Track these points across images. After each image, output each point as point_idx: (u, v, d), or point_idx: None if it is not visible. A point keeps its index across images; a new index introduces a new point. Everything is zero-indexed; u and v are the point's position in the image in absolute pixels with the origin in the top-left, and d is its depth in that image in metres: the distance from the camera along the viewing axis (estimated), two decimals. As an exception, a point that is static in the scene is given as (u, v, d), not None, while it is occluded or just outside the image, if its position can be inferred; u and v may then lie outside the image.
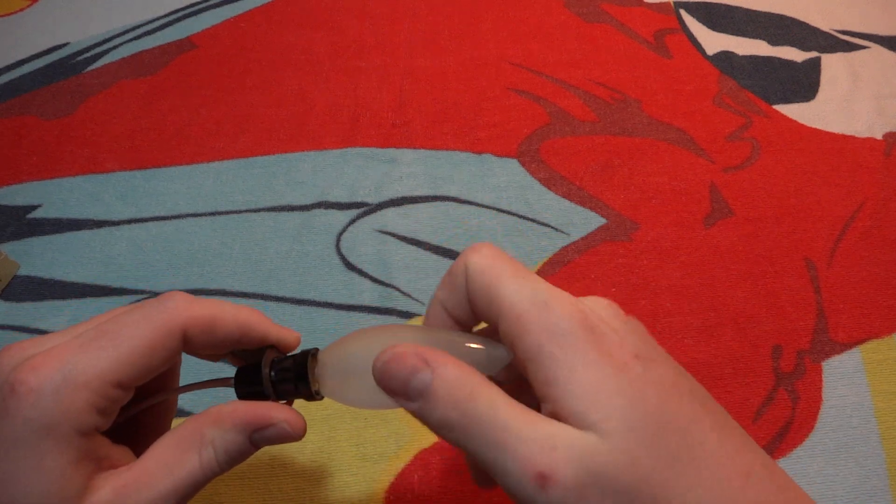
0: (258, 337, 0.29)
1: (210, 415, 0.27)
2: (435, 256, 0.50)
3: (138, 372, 0.25)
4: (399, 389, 0.24)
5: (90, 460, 0.24)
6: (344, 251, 0.50)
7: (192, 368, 0.38)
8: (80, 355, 0.24)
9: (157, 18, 0.66)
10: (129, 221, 0.52)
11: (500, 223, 0.52)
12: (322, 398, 0.29)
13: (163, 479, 0.25)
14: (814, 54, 0.63)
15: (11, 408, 0.23)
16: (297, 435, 0.27)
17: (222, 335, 0.28)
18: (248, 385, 0.29)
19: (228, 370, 0.31)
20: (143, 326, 0.26)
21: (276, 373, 0.29)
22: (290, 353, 0.30)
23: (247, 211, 0.53)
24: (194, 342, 0.27)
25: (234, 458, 0.26)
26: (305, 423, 0.28)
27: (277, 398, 0.29)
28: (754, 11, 0.66)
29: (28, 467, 0.22)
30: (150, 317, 0.26)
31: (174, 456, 0.25)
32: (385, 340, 0.26)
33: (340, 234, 0.51)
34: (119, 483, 0.24)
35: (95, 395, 0.24)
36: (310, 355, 0.29)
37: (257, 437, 0.27)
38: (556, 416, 0.23)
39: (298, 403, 0.31)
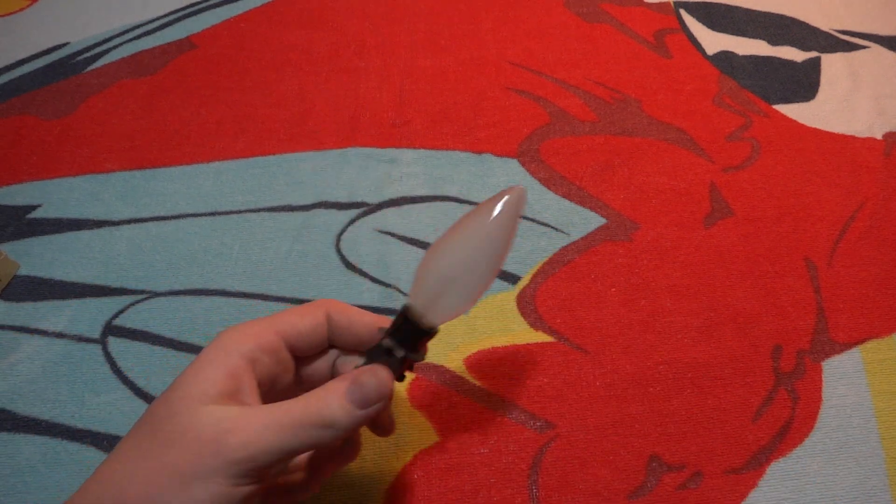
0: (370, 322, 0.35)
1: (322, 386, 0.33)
2: (435, 256, 0.50)
3: (292, 326, 0.33)
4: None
5: (230, 377, 0.30)
6: (344, 251, 0.50)
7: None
8: (261, 318, 0.33)
9: (157, 18, 0.66)
10: (129, 221, 0.52)
11: (500, 223, 0.52)
12: (436, 330, 0.34)
13: (269, 413, 0.30)
14: (814, 54, 0.63)
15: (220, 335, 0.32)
16: (383, 380, 0.31)
17: (356, 321, 0.35)
18: (377, 356, 0.34)
19: None
20: (296, 307, 0.34)
21: (391, 335, 0.33)
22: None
23: (247, 211, 0.53)
24: (334, 322, 0.34)
25: (333, 409, 0.30)
26: (392, 382, 0.32)
27: (406, 356, 0.33)
28: (754, 11, 0.66)
29: (194, 365, 0.31)
30: (305, 303, 0.35)
31: (284, 403, 0.30)
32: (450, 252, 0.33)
33: (340, 234, 0.51)
34: (238, 409, 0.30)
35: (257, 334, 0.32)
36: (403, 310, 0.33)
37: (352, 387, 0.31)
38: None
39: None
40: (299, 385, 0.35)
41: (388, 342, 0.33)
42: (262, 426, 0.29)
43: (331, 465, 0.36)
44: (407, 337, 0.33)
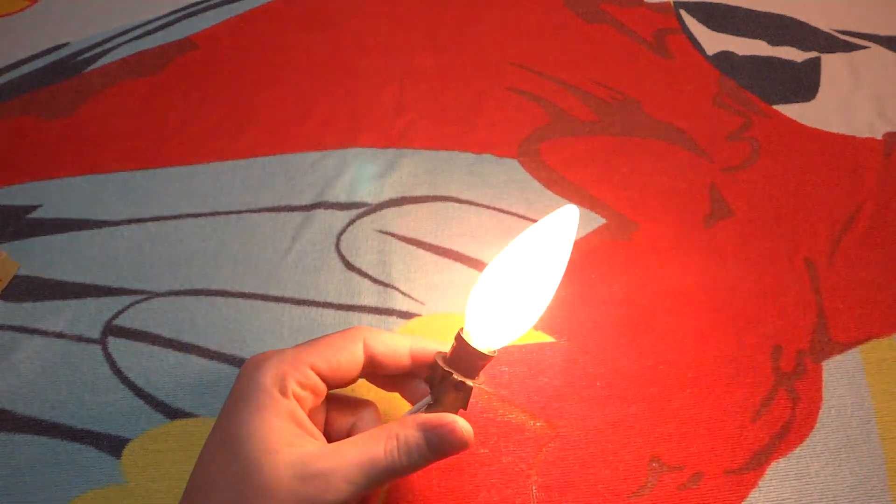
0: (421, 351, 0.36)
1: (400, 419, 0.33)
2: (435, 256, 0.50)
3: (327, 362, 0.33)
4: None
5: (292, 420, 0.31)
6: (344, 251, 0.50)
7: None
8: (287, 350, 0.33)
9: (157, 18, 0.66)
10: (129, 221, 0.52)
11: (500, 223, 0.52)
12: (495, 353, 0.35)
13: (351, 453, 0.31)
14: (814, 54, 0.63)
15: (244, 376, 0.32)
16: (464, 436, 0.32)
17: (393, 348, 0.35)
18: (444, 389, 0.34)
19: None
20: (332, 334, 0.34)
21: (450, 362, 0.34)
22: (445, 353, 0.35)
23: (247, 211, 0.53)
24: (373, 351, 0.34)
25: (412, 453, 0.31)
26: (472, 432, 0.33)
27: (463, 379, 0.34)
28: (754, 11, 0.66)
29: (247, 412, 0.31)
30: (338, 331, 0.35)
31: (365, 441, 0.31)
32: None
33: (340, 234, 0.51)
34: (320, 446, 0.31)
35: (294, 370, 0.32)
36: (459, 333, 0.34)
37: (430, 434, 0.32)
38: None
39: None
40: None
41: (457, 375, 0.34)
42: (346, 458, 0.30)
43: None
44: (469, 363, 0.34)
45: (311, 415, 0.34)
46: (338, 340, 0.34)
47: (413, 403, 0.37)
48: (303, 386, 0.32)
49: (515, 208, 0.52)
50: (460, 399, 0.34)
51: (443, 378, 0.34)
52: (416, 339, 0.36)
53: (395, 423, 0.32)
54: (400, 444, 0.31)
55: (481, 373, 0.35)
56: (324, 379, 0.33)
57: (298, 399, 0.32)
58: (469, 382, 0.34)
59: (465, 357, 0.34)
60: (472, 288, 0.36)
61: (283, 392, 0.31)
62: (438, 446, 0.32)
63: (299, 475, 0.29)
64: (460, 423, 0.32)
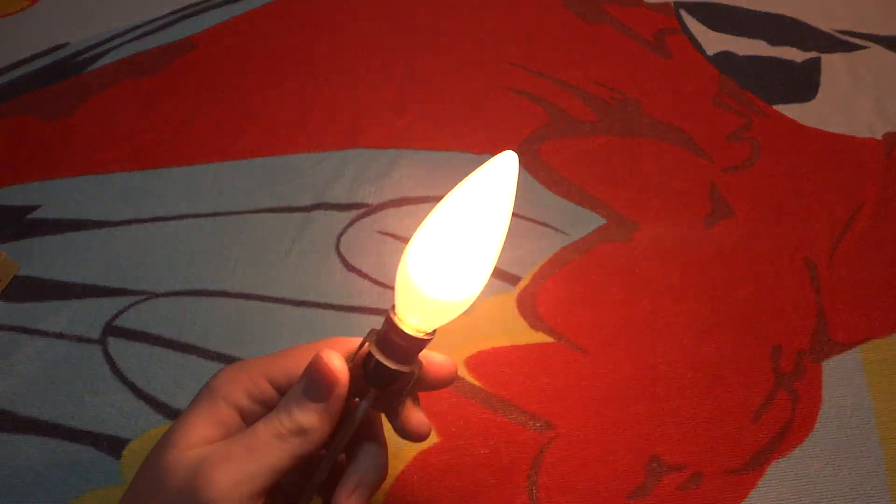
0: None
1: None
2: (435, 256, 0.50)
3: (286, 373, 0.31)
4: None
5: (221, 426, 0.30)
6: (344, 252, 0.50)
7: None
8: (255, 359, 0.32)
9: (157, 18, 0.66)
10: (129, 221, 0.52)
11: (500, 223, 0.52)
12: (427, 335, 0.31)
13: (238, 440, 0.29)
14: (814, 54, 0.63)
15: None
16: (331, 367, 0.30)
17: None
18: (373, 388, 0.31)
19: None
20: (302, 345, 0.32)
21: (380, 346, 0.30)
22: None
23: (247, 211, 0.53)
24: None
25: (290, 420, 0.29)
26: (343, 368, 0.30)
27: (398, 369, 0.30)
28: (754, 11, 0.66)
29: (186, 410, 0.31)
30: (310, 342, 0.32)
31: (256, 423, 0.30)
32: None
33: (340, 234, 0.51)
34: (215, 450, 0.29)
35: (247, 378, 0.30)
36: (389, 315, 0.30)
37: (306, 384, 0.30)
38: None
39: None
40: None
41: (383, 359, 0.30)
42: (233, 457, 0.28)
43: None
44: (400, 349, 0.30)
45: None
46: (298, 351, 0.31)
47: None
48: (250, 395, 0.30)
49: (515, 208, 0.52)
50: (370, 376, 0.30)
51: (372, 367, 0.30)
52: None
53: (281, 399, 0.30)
54: (280, 409, 0.29)
55: (410, 360, 0.31)
56: (282, 391, 0.31)
57: (242, 410, 0.30)
58: (379, 358, 0.30)
59: (388, 334, 0.30)
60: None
61: (227, 397, 0.30)
62: (312, 389, 0.29)
63: (190, 471, 0.28)
64: (328, 356, 0.29)
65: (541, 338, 0.46)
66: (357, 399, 0.32)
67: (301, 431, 0.29)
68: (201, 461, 0.28)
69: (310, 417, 0.29)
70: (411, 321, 0.30)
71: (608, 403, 0.44)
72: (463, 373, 0.45)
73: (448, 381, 0.33)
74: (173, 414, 0.43)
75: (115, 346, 0.46)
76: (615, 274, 0.49)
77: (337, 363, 0.29)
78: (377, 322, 0.47)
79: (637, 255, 0.50)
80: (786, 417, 0.43)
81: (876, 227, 0.51)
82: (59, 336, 0.47)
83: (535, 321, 0.47)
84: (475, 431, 0.43)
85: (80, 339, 0.47)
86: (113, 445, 0.42)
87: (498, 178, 0.31)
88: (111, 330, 0.47)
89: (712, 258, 0.50)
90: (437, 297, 0.30)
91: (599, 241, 0.51)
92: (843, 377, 0.44)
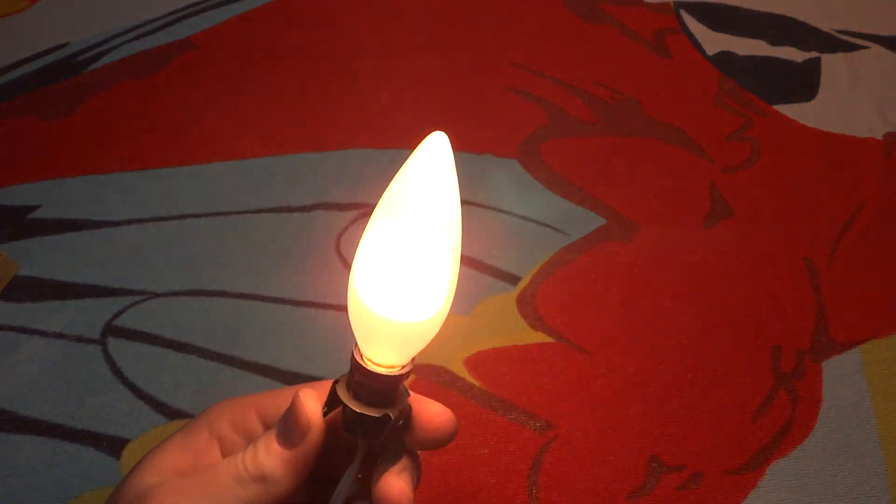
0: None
1: None
2: (435, 256, 0.50)
3: (277, 409, 0.28)
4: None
5: (192, 453, 0.27)
6: (344, 252, 0.50)
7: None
8: (254, 394, 0.29)
9: (157, 18, 0.66)
10: (129, 221, 0.52)
11: (500, 223, 0.52)
12: (396, 369, 0.26)
13: (198, 475, 0.26)
14: (814, 54, 0.63)
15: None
16: (307, 410, 0.26)
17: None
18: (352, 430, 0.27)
19: None
20: (305, 384, 0.29)
21: (351, 391, 0.26)
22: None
23: (247, 211, 0.53)
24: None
25: (257, 452, 0.27)
26: (317, 414, 0.26)
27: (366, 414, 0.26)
28: (754, 11, 0.66)
29: (165, 441, 0.28)
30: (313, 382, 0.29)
31: (222, 461, 0.27)
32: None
33: (340, 234, 0.51)
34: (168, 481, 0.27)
35: (237, 410, 0.28)
36: (353, 354, 0.26)
37: (279, 427, 0.27)
38: None
39: None
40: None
41: (341, 394, 0.26)
42: (184, 492, 0.25)
43: None
44: (359, 384, 0.26)
45: None
46: (297, 388, 0.28)
47: None
48: (235, 425, 0.28)
49: (515, 208, 0.52)
50: (348, 425, 0.26)
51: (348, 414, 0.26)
52: None
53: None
54: (246, 451, 0.26)
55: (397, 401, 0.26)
56: (269, 425, 0.28)
57: (223, 439, 0.27)
58: (352, 406, 0.26)
59: (354, 376, 0.26)
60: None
61: (211, 424, 0.27)
62: (283, 431, 0.26)
63: (133, 498, 0.25)
64: (305, 396, 0.26)
65: (541, 338, 0.46)
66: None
67: (261, 478, 0.25)
68: (152, 489, 0.25)
69: (274, 463, 0.25)
70: (377, 357, 0.26)
71: (608, 403, 0.44)
72: (463, 373, 0.45)
73: (443, 439, 0.28)
74: (173, 414, 0.43)
75: (115, 346, 0.46)
76: (615, 274, 0.49)
77: (310, 405, 0.26)
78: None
79: (637, 255, 0.50)
80: (786, 417, 0.43)
81: (876, 227, 0.51)
82: (59, 336, 0.47)
83: (535, 321, 0.47)
84: (475, 431, 0.43)
85: (80, 339, 0.47)
86: (113, 445, 0.42)
87: (433, 164, 0.25)
88: (111, 330, 0.47)
89: (712, 258, 0.50)
90: (399, 319, 0.25)
91: (599, 241, 0.51)
92: (843, 377, 0.44)
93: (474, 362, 0.45)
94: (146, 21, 0.66)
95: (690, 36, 0.64)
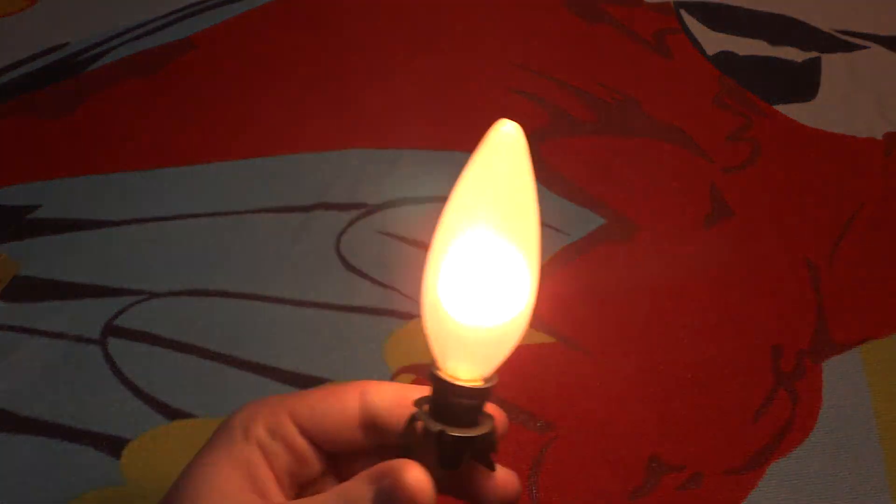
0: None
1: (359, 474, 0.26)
2: (435, 256, 0.50)
3: (310, 409, 0.27)
4: None
5: (244, 469, 0.26)
6: (344, 252, 0.50)
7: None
8: (278, 395, 0.28)
9: (157, 18, 0.66)
10: (129, 221, 0.52)
11: (500, 223, 0.52)
12: (484, 382, 0.25)
13: None
14: (814, 54, 0.63)
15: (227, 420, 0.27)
16: (413, 489, 0.23)
17: (399, 400, 0.27)
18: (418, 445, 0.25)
19: None
20: (328, 385, 0.29)
21: (433, 410, 0.25)
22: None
23: (247, 212, 0.53)
24: (371, 404, 0.27)
25: None
26: (429, 486, 0.24)
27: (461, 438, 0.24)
28: (754, 11, 0.66)
29: (201, 451, 0.26)
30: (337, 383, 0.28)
31: (308, 501, 0.25)
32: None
33: (340, 234, 0.51)
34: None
35: (269, 412, 0.26)
36: (432, 370, 0.25)
37: (377, 488, 0.24)
38: None
39: None
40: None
41: (431, 424, 0.24)
42: None
43: None
44: (453, 406, 0.24)
45: (316, 492, 0.27)
46: (329, 390, 0.27)
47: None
48: (272, 433, 0.26)
49: (515, 208, 0.52)
50: (445, 456, 0.24)
51: (421, 432, 0.24)
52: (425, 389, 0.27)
53: (352, 479, 0.25)
54: (342, 500, 0.24)
55: (482, 419, 0.25)
56: (307, 432, 0.27)
57: (264, 447, 0.26)
58: (452, 433, 0.23)
59: (447, 398, 0.24)
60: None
61: (246, 434, 0.26)
62: (387, 502, 0.24)
63: None
64: (411, 474, 0.23)
65: (541, 338, 0.46)
66: None
67: None
68: None
69: None
70: (462, 371, 0.25)
71: (608, 403, 0.44)
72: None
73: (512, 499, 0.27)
74: (173, 414, 0.43)
75: (115, 346, 0.46)
76: (615, 274, 0.49)
77: (419, 486, 0.23)
78: (377, 322, 0.47)
79: (637, 254, 0.50)
80: (786, 417, 0.43)
81: (876, 227, 0.51)
82: (59, 336, 0.47)
83: (535, 321, 0.47)
84: (475, 431, 0.43)
85: (80, 339, 0.47)
86: (113, 445, 0.42)
87: (506, 154, 0.25)
88: (111, 330, 0.47)
89: (712, 258, 0.50)
90: (487, 325, 0.25)
91: (599, 241, 0.51)
92: (843, 377, 0.44)
93: (474, 362, 0.45)
94: (146, 21, 0.66)
95: (690, 36, 0.64)
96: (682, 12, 0.66)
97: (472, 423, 0.24)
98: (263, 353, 0.45)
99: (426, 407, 0.25)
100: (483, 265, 0.24)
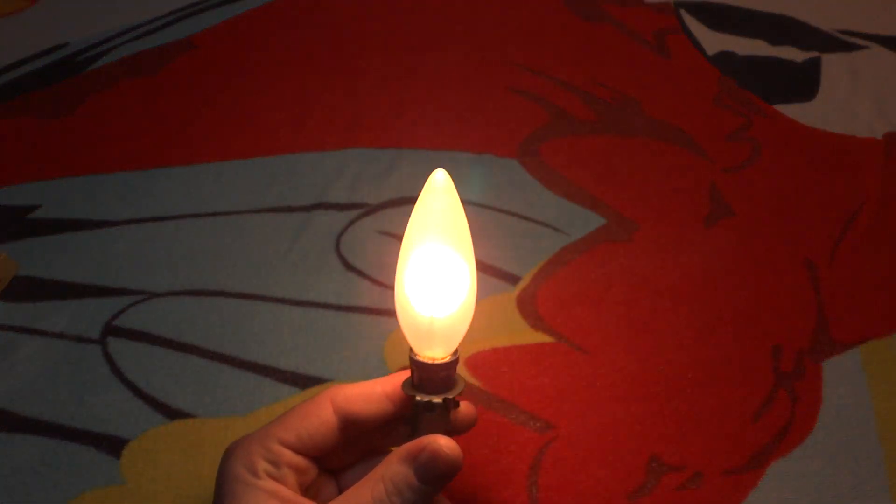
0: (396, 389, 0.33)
1: (384, 460, 0.30)
2: (435, 256, 0.50)
3: (295, 433, 0.31)
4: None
5: (276, 499, 0.29)
6: (344, 252, 0.50)
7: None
8: (257, 431, 0.32)
9: (157, 18, 0.66)
10: (129, 221, 0.52)
11: (500, 223, 0.52)
12: (449, 357, 0.32)
13: None
14: (814, 54, 0.63)
15: (220, 468, 0.31)
16: (450, 454, 0.29)
17: (365, 396, 0.32)
18: (420, 420, 0.32)
19: None
20: (301, 403, 0.32)
21: (416, 386, 0.32)
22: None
23: (247, 211, 0.53)
24: (341, 407, 0.32)
25: (404, 492, 0.29)
26: (458, 449, 0.30)
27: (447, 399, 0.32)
28: (754, 11, 0.66)
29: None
30: (308, 399, 0.32)
31: (351, 497, 0.29)
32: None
33: (340, 234, 0.51)
34: None
35: (261, 449, 0.30)
36: (409, 354, 0.32)
37: (417, 463, 0.29)
38: None
39: None
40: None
41: (421, 396, 0.31)
42: None
43: None
44: (432, 380, 0.32)
45: (317, 488, 0.32)
46: (304, 408, 0.32)
47: None
48: (274, 464, 0.30)
49: (515, 208, 0.52)
50: (437, 421, 0.31)
51: (413, 406, 0.31)
52: (386, 379, 0.33)
53: (380, 465, 0.30)
54: (387, 485, 0.29)
55: (457, 383, 0.33)
56: (298, 451, 0.31)
57: (276, 477, 0.30)
58: (435, 399, 0.31)
59: (425, 375, 0.31)
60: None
61: (256, 475, 0.30)
62: (428, 474, 0.29)
63: None
64: (442, 442, 0.29)
65: (541, 338, 0.46)
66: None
67: None
68: None
69: (421, 500, 0.29)
70: (429, 353, 0.32)
71: (608, 403, 0.44)
72: (463, 373, 0.45)
73: (468, 424, 0.34)
74: (173, 414, 0.43)
75: (115, 346, 0.46)
76: (615, 274, 0.49)
77: (453, 448, 0.30)
78: (377, 322, 0.47)
79: (637, 254, 0.50)
80: (786, 417, 0.43)
81: (876, 227, 0.51)
82: (59, 336, 0.47)
83: (535, 321, 0.47)
84: (475, 431, 0.43)
85: (79, 339, 0.47)
86: (112, 445, 0.42)
87: (442, 193, 0.33)
88: (111, 330, 0.47)
89: (712, 258, 0.50)
90: (442, 316, 0.32)
91: (599, 241, 0.51)
92: (843, 377, 0.44)
93: (474, 362, 0.45)
94: (146, 21, 0.66)
95: (690, 36, 0.64)
96: (682, 12, 0.66)
97: (453, 385, 0.32)
98: (263, 353, 0.45)
99: (419, 394, 0.32)
100: (434, 268, 0.32)
